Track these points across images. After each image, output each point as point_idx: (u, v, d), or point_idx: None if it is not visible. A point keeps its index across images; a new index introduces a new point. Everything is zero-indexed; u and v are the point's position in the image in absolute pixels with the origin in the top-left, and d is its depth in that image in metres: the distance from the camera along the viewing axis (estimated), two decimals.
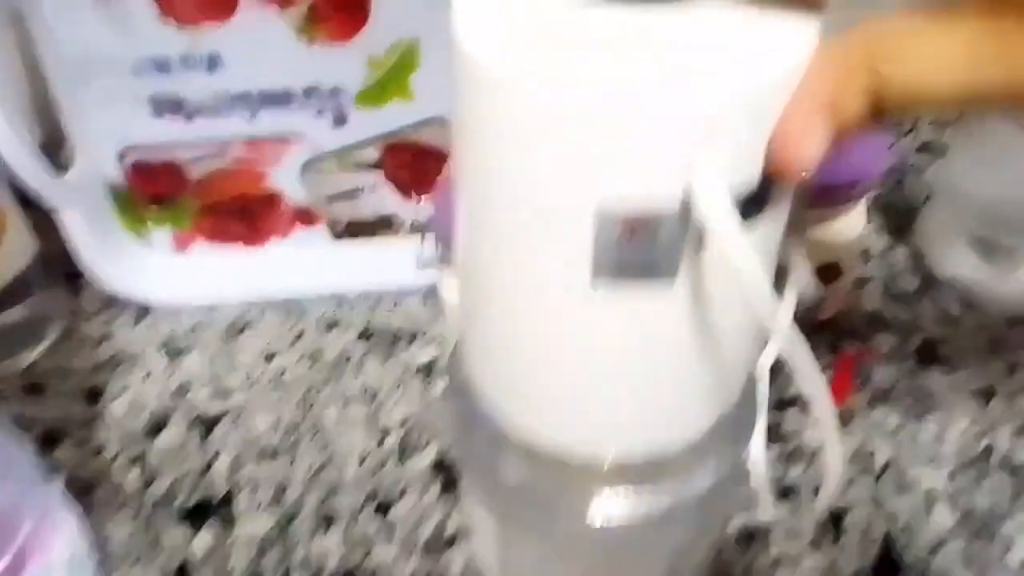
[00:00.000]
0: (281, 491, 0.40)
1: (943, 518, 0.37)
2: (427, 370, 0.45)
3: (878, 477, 0.39)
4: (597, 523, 0.27)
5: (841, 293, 0.44)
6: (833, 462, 0.22)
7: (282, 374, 0.45)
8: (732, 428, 0.27)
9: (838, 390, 0.42)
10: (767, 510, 0.29)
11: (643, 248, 0.18)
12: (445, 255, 0.38)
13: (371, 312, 0.48)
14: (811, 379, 0.20)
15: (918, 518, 0.37)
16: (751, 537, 0.37)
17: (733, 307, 0.21)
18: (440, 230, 0.38)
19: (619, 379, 0.21)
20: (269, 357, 0.46)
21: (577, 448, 0.24)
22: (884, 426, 0.41)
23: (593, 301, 0.19)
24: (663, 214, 0.18)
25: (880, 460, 0.39)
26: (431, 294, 0.48)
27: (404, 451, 0.41)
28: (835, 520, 0.37)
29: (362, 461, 0.41)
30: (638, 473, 0.25)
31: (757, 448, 0.31)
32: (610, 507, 0.26)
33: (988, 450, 0.40)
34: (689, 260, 0.19)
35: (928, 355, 0.44)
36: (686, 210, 0.18)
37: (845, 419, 0.41)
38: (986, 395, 0.42)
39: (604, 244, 0.18)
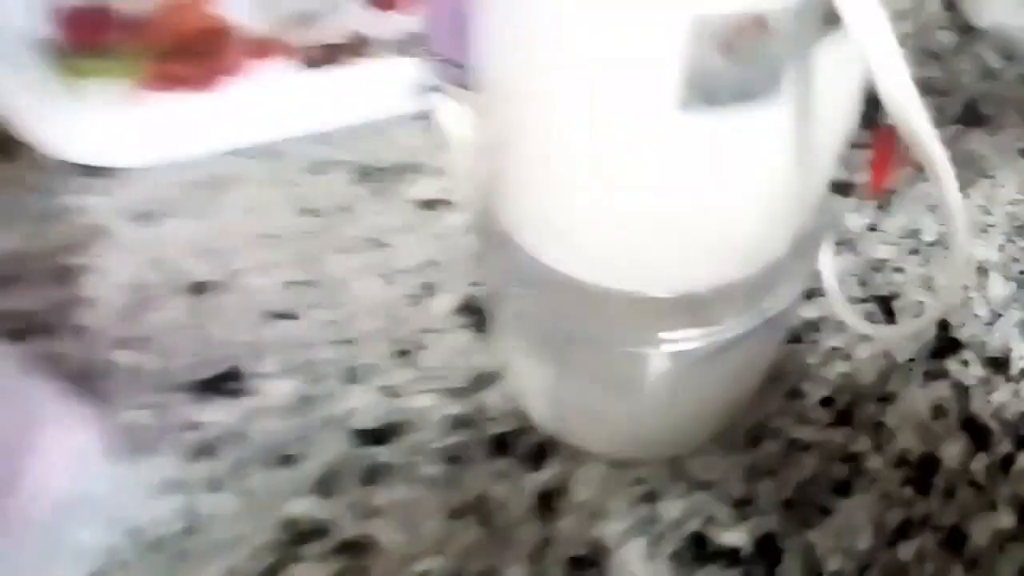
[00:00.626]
0: (297, 352, 0.37)
1: (998, 289, 0.35)
2: (434, 205, 0.41)
3: (926, 256, 0.36)
4: (661, 361, 0.24)
5: None
6: (955, 204, 0.19)
7: (273, 229, 0.41)
8: (804, 247, 0.24)
9: (879, 167, 0.38)
10: (854, 323, 0.26)
11: (743, 63, 0.14)
12: (446, 77, 0.34)
13: (361, 148, 0.43)
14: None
15: (972, 293, 0.35)
16: (798, 334, 0.35)
17: (829, 122, 0.17)
18: (437, 47, 0.33)
19: (698, 209, 0.18)
20: (255, 212, 0.42)
21: (645, 286, 0.21)
22: (928, 200, 0.38)
23: (678, 125, 0.16)
24: (773, 13, 0.14)
25: (927, 238, 0.37)
26: (423, 120, 0.43)
27: (424, 295, 0.38)
28: (884, 304, 0.35)
29: (380, 311, 0.38)
30: (704, 304, 0.22)
31: (827, 263, 0.28)
32: (676, 342, 0.23)
33: None
34: (789, 75, 0.15)
35: (971, 116, 0.41)
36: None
37: (886, 198, 0.38)
38: None
39: (698, 59, 0.14)
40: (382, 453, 0.34)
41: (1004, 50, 0.42)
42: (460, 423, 0.35)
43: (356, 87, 0.43)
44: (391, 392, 0.36)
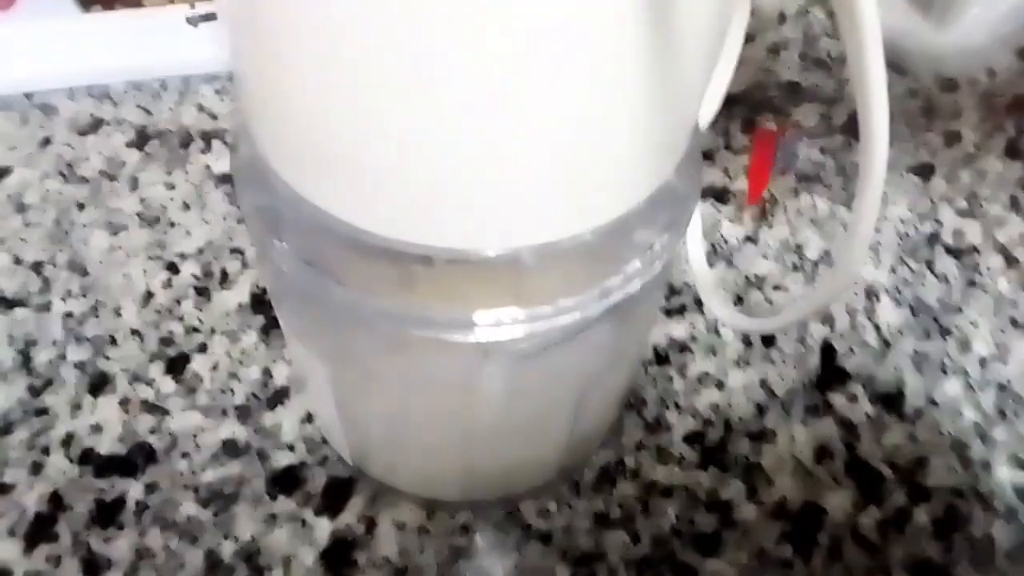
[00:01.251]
0: (28, 350, 0.28)
1: (889, 315, 0.31)
2: (230, 179, 0.33)
3: (810, 274, 0.31)
4: (474, 355, 0.18)
5: (754, 60, 0.35)
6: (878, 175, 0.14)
7: (23, 195, 0.32)
8: (665, 205, 0.17)
9: (757, 173, 0.34)
10: (721, 312, 0.20)
11: None
12: None
13: (149, 108, 0.35)
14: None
15: (860, 319, 0.30)
16: (664, 355, 0.29)
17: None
18: None
19: (514, 115, 0.11)
20: (1, 174, 0.33)
21: (446, 237, 0.14)
22: (812, 214, 0.33)
23: None
24: None
25: (811, 254, 0.32)
26: (231, 81, 0.35)
27: (206, 287, 0.30)
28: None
29: (146, 302, 0.30)
30: (530, 274, 0.16)
31: (694, 236, 0.22)
32: (494, 327, 0.17)
33: (934, 236, 0.33)
34: None
35: (856, 128, 0.36)
36: None
37: (766, 209, 0.33)
38: (924, 172, 0.35)
39: None
40: (126, 487, 0.26)
41: (893, 62, 0.39)
42: (234, 451, 0.27)
43: (142, 34, 0.34)
44: (148, 408, 0.27)
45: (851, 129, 0.36)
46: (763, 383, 0.29)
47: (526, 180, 0.13)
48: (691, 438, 0.28)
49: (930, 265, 0.32)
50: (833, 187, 0.34)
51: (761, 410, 0.28)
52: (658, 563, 0.25)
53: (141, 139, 0.34)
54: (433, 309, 0.17)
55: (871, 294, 0.31)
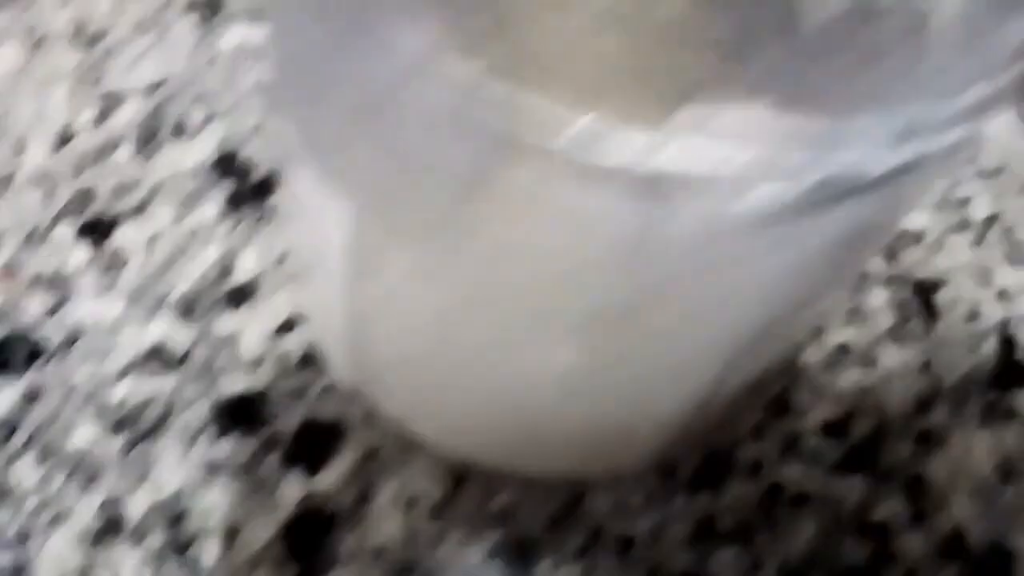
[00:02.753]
0: None
1: None
2: (207, 5, 0.24)
3: (981, 235, 0.24)
4: (630, 212, 0.09)
5: None
6: None
7: None
8: None
9: None
10: None
11: None
12: None
13: None
14: None
15: None
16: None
17: None
18: None
19: None
20: None
21: None
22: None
23: None
24: None
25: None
26: None
27: (154, 135, 0.21)
28: (922, 294, 0.22)
29: (63, 143, 0.21)
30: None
31: None
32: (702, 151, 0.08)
33: None
34: None
35: None
36: None
37: None
38: None
39: None
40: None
41: None
42: (166, 360, 0.18)
43: None
44: (44, 283, 0.18)
45: None
46: (926, 367, 0.21)
47: None
48: (831, 429, 0.19)
49: None
50: None
51: (924, 403, 0.20)
52: None
53: None
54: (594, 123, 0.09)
55: None
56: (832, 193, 0.10)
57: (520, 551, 0.16)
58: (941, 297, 0.22)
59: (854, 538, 0.18)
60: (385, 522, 0.16)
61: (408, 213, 0.12)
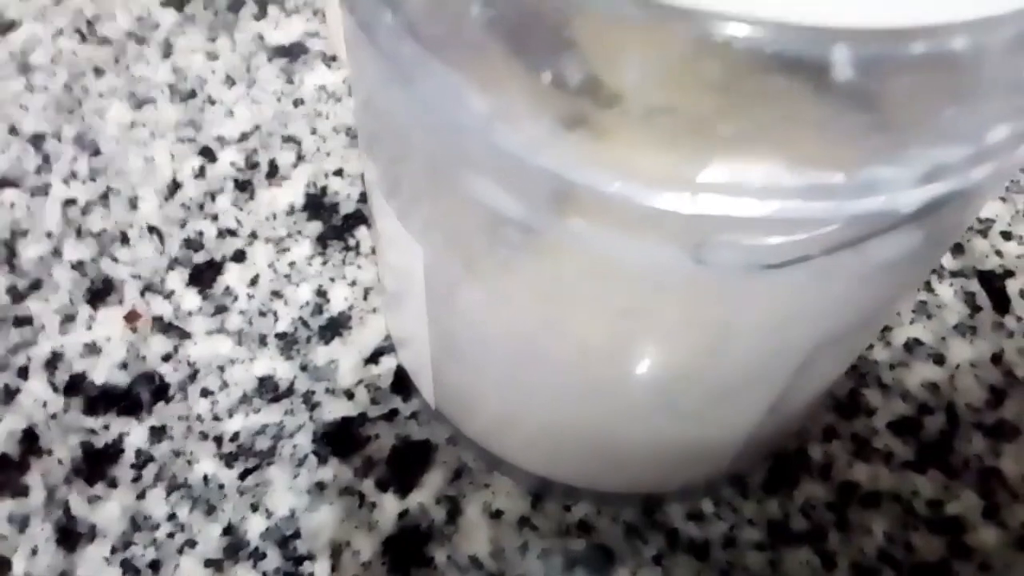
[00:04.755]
0: (14, 243, 0.22)
1: None
2: (289, 52, 0.26)
3: None
4: (680, 256, 0.10)
5: None
6: None
7: (30, 54, 0.25)
8: None
9: None
10: None
11: None
12: None
13: None
14: None
15: None
16: None
17: None
18: None
19: None
20: (6, 28, 0.26)
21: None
22: None
23: None
24: None
25: None
26: None
27: (249, 180, 0.23)
28: (991, 285, 0.22)
29: (171, 194, 0.23)
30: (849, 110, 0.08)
31: None
32: (734, 199, 0.09)
33: None
34: None
35: None
36: None
37: None
38: None
39: None
40: (124, 429, 0.19)
41: None
42: (272, 392, 0.20)
43: None
44: (162, 327, 0.20)
45: None
46: (996, 359, 0.21)
47: None
48: (901, 427, 0.20)
49: None
50: None
51: (997, 396, 0.20)
52: None
53: None
54: (629, 153, 0.10)
55: None
56: (857, 235, 0.11)
57: (600, 559, 0.18)
58: (1011, 287, 0.22)
59: (927, 534, 0.18)
60: (475, 534, 0.18)
61: (476, 257, 0.14)
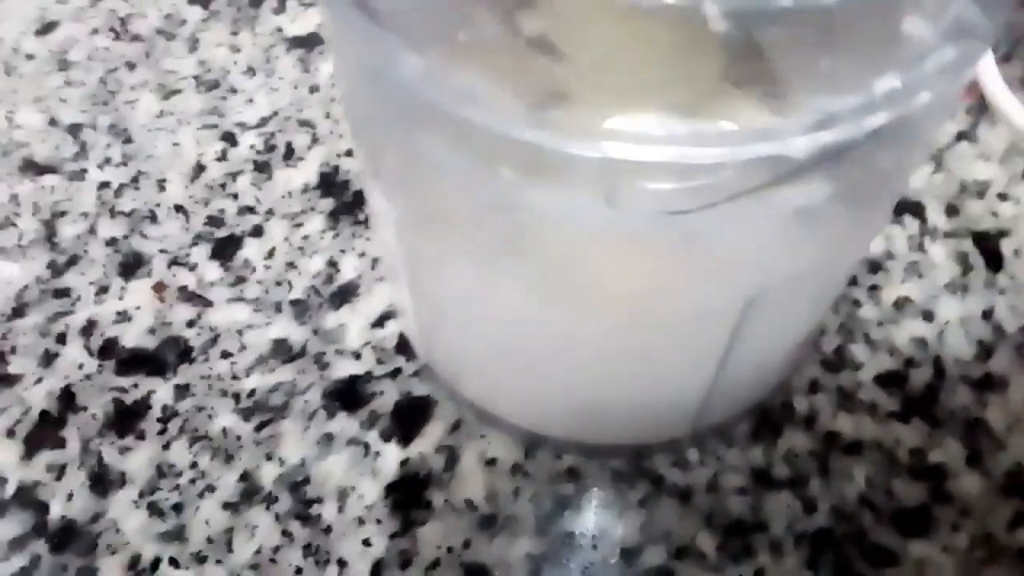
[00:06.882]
0: (54, 222, 0.23)
1: None
2: (306, 43, 0.27)
3: None
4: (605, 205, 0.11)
5: None
6: None
7: (68, 52, 0.27)
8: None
9: None
10: None
11: None
12: None
13: None
14: None
15: None
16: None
17: None
18: None
19: None
20: (46, 28, 0.28)
21: None
22: None
23: None
24: None
25: None
26: None
27: (267, 162, 0.25)
28: (980, 243, 0.22)
29: (196, 176, 0.24)
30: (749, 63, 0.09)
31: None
32: (659, 146, 0.10)
33: None
34: None
35: None
36: None
37: None
38: None
39: None
40: (152, 387, 0.21)
41: None
42: (286, 354, 0.21)
43: None
44: (187, 296, 0.22)
45: None
46: (987, 315, 0.21)
47: None
48: (887, 380, 0.20)
49: None
50: None
51: (986, 350, 0.21)
52: (842, 541, 0.18)
53: None
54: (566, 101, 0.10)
55: None
56: (759, 182, 0.11)
57: (586, 503, 0.19)
58: (1005, 246, 0.22)
59: (909, 480, 0.19)
60: (470, 480, 0.19)
61: (445, 223, 0.15)
